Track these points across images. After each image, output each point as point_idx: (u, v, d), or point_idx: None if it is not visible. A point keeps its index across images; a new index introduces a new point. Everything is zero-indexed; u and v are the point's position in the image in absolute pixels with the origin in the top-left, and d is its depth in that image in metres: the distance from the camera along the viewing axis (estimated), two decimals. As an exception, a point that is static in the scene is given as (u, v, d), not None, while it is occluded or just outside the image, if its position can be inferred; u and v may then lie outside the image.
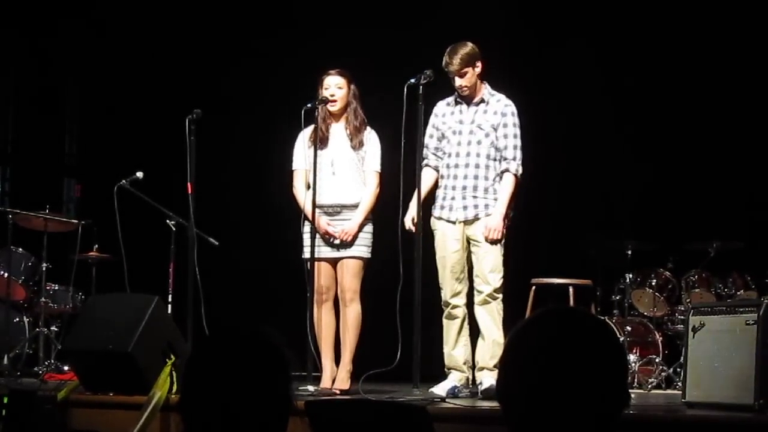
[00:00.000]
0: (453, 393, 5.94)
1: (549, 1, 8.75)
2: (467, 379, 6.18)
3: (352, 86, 6.34)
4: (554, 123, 8.44)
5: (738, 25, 8.18)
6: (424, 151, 6.22)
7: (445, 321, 6.19)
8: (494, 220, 6.06)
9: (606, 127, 8.40)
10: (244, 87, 9.33)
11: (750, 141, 8.17)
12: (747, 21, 8.16)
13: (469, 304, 6.18)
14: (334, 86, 6.31)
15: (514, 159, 6.13)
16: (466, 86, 6.12)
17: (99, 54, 10.05)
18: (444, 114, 6.26)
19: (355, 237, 6.23)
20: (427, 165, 6.26)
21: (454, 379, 6.11)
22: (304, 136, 6.32)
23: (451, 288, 6.14)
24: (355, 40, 8.59)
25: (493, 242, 6.06)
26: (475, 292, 6.11)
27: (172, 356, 5.54)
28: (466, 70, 6.08)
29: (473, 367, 6.20)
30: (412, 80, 5.91)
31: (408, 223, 6.12)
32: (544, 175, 8.21)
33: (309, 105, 6.22)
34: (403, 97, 5.92)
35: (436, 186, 6.29)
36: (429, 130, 6.24)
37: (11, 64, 10.03)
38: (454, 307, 6.14)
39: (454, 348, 6.16)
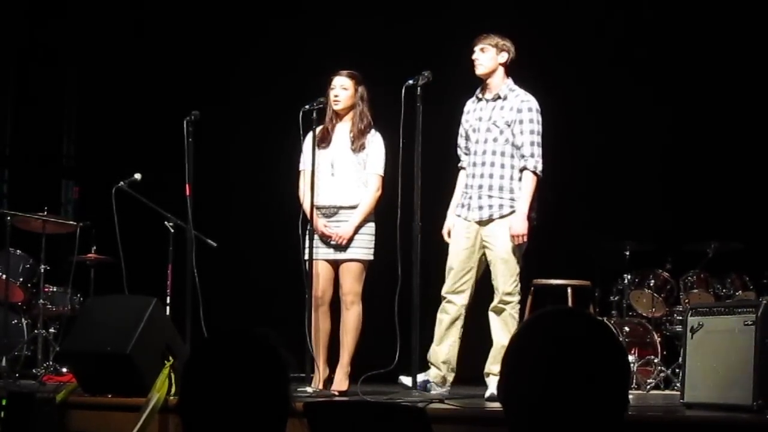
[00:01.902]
0: (423, 387, 5.85)
1: (552, 3, 8.75)
2: (442, 378, 6.09)
3: (360, 88, 6.33)
4: (553, 124, 8.43)
5: (737, 27, 8.19)
6: (458, 151, 6.25)
7: (438, 315, 6.13)
8: (518, 225, 5.94)
9: (605, 128, 8.40)
10: (243, 88, 9.33)
11: (748, 142, 8.17)
12: (746, 23, 8.16)
13: (481, 307, 6.15)
14: (339, 87, 6.32)
15: (533, 156, 6.02)
16: (481, 63, 6.08)
17: (97, 55, 10.05)
18: (468, 111, 6.23)
19: (353, 239, 6.23)
20: (461, 167, 6.27)
21: (428, 374, 6.04)
22: (311, 136, 6.32)
23: (452, 284, 6.08)
24: (356, 41, 8.59)
25: (515, 244, 5.98)
26: (494, 294, 6.08)
27: (170, 358, 5.54)
28: (489, 47, 6.05)
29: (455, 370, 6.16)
30: (411, 81, 5.90)
31: (446, 236, 6.14)
32: (542, 175, 8.22)
33: (307, 107, 6.23)
34: (402, 98, 5.92)
35: None
36: (460, 129, 6.26)
37: (9, 65, 10.03)
38: (449, 302, 6.07)
39: (440, 344, 6.09)
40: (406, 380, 5.87)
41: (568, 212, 8.39)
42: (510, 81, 6.16)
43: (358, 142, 6.29)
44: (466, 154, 6.24)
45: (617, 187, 8.35)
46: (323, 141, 6.31)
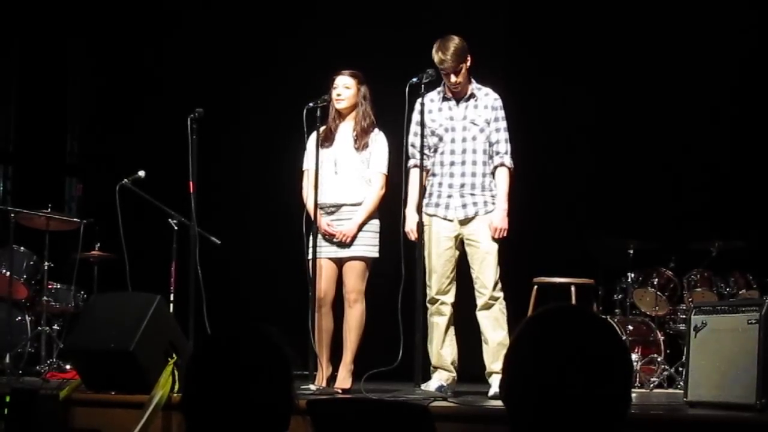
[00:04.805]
0: (440, 391, 5.86)
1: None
2: (453, 379, 6.13)
3: (363, 87, 6.34)
4: (557, 121, 8.45)
5: (736, 26, 8.18)
6: (411, 150, 6.15)
7: (432, 319, 6.09)
8: (499, 219, 6.01)
9: (607, 125, 8.40)
10: (248, 85, 9.33)
11: (751, 140, 8.17)
12: (745, 20, 8.16)
13: (466, 306, 6.14)
14: (342, 86, 6.32)
15: (507, 153, 6.10)
16: (461, 82, 6.06)
17: (100, 53, 10.06)
18: (431, 111, 6.13)
19: (357, 237, 6.23)
20: (416, 166, 6.12)
21: (440, 378, 6.06)
22: (314, 136, 6.31)
23: (439, 285, 6.07)
24: (361, 40, 8.59)
25: (496, 240, 6.03)
26: (477, 294, 6.06)
27: (173, 355, 5.53)
28: (460, 66, 6.01)
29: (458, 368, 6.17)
30: (414, 80, 5.90)
31: (413, 234, 6.03)
32: (545, 174, 8.23)
33: (311, 105, 6.23)
34: (405, 96, 5.93)
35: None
36: (414, 128, 6.09)
37: (13, 63, 10.03)
38: (442, 304, 6.07)
39: (442, 347, 6.09)
40: (427, 386, 5.86)
41: (571, 210, 8.40)
42: (472, 78, 6.17)
43: (361, 141, 6.29)
44: (422, 153, 6.06)
45: (621, 186, 8.35)
46: (326, 140, 6.32)
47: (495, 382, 5.90)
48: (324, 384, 6.13)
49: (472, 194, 6.08)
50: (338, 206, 6.27)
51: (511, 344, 1.98)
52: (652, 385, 7.29)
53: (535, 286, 7.46)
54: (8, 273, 7.95)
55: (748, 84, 8.16)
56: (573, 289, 7.44)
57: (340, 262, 6.30)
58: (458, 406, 5.28)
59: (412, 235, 6.04)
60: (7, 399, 5.31)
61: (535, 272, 7.51)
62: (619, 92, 8.40)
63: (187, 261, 6.52)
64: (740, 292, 7.60)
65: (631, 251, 7.96)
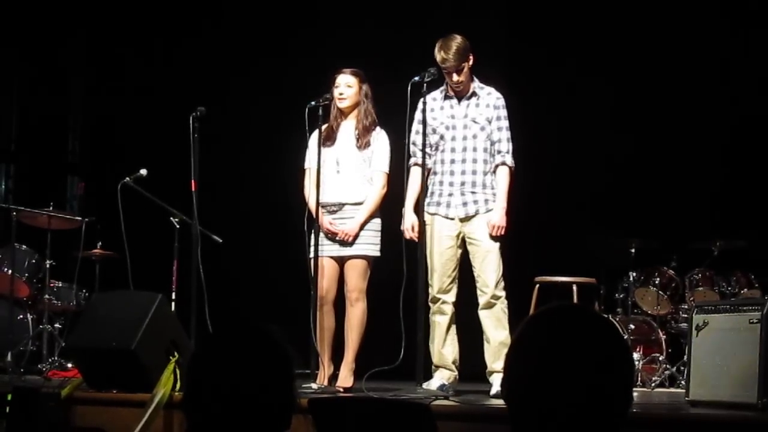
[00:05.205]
0: (441, 390, 5.87)
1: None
2: (455, 378, 6.14)
3: (364, 86, 6.34)
4: (557, 120, 8.44)
5: (734, 26, 8.18)
6: (412, 148, 6.15)
7: (433, 318, 6.10)
8: (497, 217, 6.01)
9: (609, 125, 8.40)
10: (249, 84, 9.33)
11: (754, 140, 8.16)
12: (746, 22, 8.16)
13: (468, 305, 6.14)
14: (344, 85, 6.32)
15: (508, 152, 6.10)
16: (463, 81, 6.07)
17: (102, 51, 10.06)
18: (433, 109, 6.13)
19: (359, 236, 6.24)
20: (416, 164, 6.15)
21: (442, 377, 6.07)
22: (316, 135, 6.31)
23: (440, 285, 6.07)
24: (363, 39, 8.59)
25: (496, 239, 6.03)
26: (478, 293, 6.06)
27: (175, 354, 5.53)
28: (463, 65, 6.02)
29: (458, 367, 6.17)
30: (417, 78, 5.91)
31: (408, 232, 6.06)
32: (547, 173, 8.22)
33: (313, 103, 6.23)
34: (408, 95, 5.93)
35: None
36: (416, 126, 6.11)
37: (14, 61, 10.03)
38: (444, 303, 6.08)
39: (444, 346, 6.10)
40: (428, 385, 5.87)
41: (573, 210, 8.39)
42: (474, 77, 6.17)
43: (363, 140, 6.30)
44: (424, 151, 6.04)
45: (623, 185, 8.34)
46: (328, 139, 6.33)
47: (496, 381, 5.91)
48: (325, 383, 6.14)
49: (473, 192, 6.08)
50: (340, 205, 6.28)
51: (512, 343, 1.98)
52: (653, 384, 7.29)
53: (537, 285, 7.46)
54: (10, 271, 7.96)
55: (749, 83, 8.15)
56: (575, 288, 7.43)
57: (341, 261, 6.30)
58: (459, 405, 5.28)
59: (408, 234, 6.06)
60: (9, 397, 5.31)
61: (536, 271, 7.50)
62: (621, 91, 8.39)
63: (188, 259, 6.53)
64: (742, 292, 7.60)
65: (633, 250, 7.96)
